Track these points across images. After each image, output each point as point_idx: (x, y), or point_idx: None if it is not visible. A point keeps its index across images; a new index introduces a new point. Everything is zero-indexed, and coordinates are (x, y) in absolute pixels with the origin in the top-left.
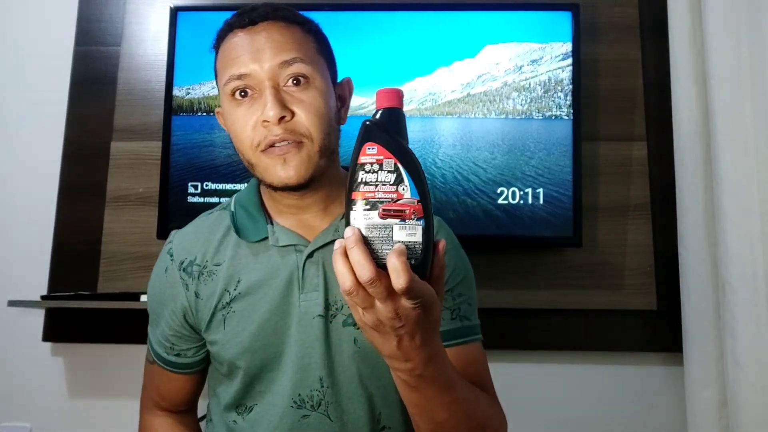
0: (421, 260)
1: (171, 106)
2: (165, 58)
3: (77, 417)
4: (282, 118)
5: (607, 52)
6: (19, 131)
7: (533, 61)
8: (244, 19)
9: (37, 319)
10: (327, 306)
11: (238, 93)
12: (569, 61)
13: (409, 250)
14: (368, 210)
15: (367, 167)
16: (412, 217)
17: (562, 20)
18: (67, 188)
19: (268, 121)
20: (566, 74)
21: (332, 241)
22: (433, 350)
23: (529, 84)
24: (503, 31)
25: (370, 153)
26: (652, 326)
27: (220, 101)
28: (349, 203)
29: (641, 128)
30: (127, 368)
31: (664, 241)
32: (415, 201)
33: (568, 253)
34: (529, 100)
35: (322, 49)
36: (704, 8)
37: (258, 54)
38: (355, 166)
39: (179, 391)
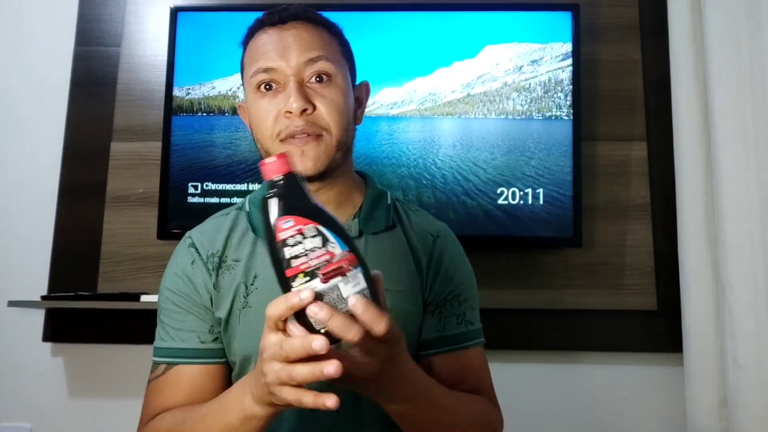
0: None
1: (171, 107)
2: (165, 58)
3: (77, 417)
4: (305, 110)
5: (607, 52)
6: (19, 131)
7: (533, 62)
8: (275, 17)
9: (37, 319)
10: None
11: (263, 86)
12: (569, 61)
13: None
14: (309, 281)
15: (290, 241)
16: (351, 268)
17: (562, 20)
18: (67, 188)
19: (291, 112)
20: (566, 74)
21: None
22: (407, 373)
23: (529, 84)
24: (503, 31)
25: (287, 227)
26: (652, 326)
27: (244, 95)
28: (287, 283)
29: (641, 128)
30: (127, 368)
31: (664, 241)
32: (347, 252)
33: (568, 253)
34: (529, 101)
35: (344, 52)
36: (704, 8)
37: (286, 51)
38: (275, 246)
39: (216, 388)
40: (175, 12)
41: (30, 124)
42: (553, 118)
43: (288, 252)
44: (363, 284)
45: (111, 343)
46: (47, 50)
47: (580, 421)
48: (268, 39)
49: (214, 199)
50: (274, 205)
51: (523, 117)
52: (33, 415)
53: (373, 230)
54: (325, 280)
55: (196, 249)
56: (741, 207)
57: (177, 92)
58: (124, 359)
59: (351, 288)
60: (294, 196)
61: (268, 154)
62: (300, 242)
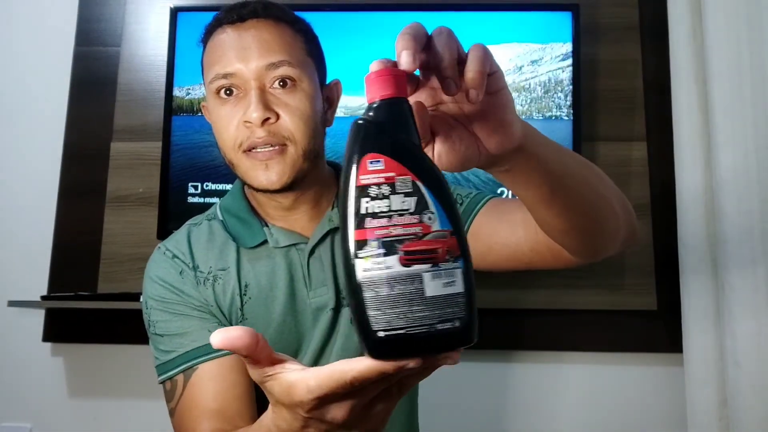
0: (466, 320)
1: (171, 107)
2: (165, 58)
3: (77, 417)
4: (266, 120)
5: (607, 52)
6: (19, 131)
7: (533, 62)
8: (233, 15)
9: (37, 319)
10: (337, 297)
11: (223, 91)
12: (569, 61)
13: (447, 307)
14: (383, 255)
15: (373, 191)
16: (447, 257)
17: (562, 20)
18: (67, 188)
19: (251, 123)
20: (566, 74)
21: (329, 232)
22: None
23: (529, 84)
24: (503, 31)
25: (374, 169)
26: (652, 326)
27: (206, 96)
28: (350, 247)
29: (641, 128)
30: (127, 368)
31: (664, 241)
32: (447, 233)
33: None
34: (529, 101)
35: (311, 50)
36: (704, 8)
37: (245, 53)
38: (349, 190)
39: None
40: (175, 12)
41: (30, 124)
42: (553, 118)
43: (365, 205)
44: (459, 288)
45: (111, 343)
46: (47, 50)
47: (580, 422)
48: (226, 39)
49: (214, 199)
50: (365, 134)
51: (523, 117)
52: (33, 415)
53: None
54: (405, 262)
55: (182, 260)
56: (741, 207)
57: (177, 92)
58: (124, 359)
59: (439, 286)
60: (395, 129)
61: (232, 165)
62: (386, 196)
